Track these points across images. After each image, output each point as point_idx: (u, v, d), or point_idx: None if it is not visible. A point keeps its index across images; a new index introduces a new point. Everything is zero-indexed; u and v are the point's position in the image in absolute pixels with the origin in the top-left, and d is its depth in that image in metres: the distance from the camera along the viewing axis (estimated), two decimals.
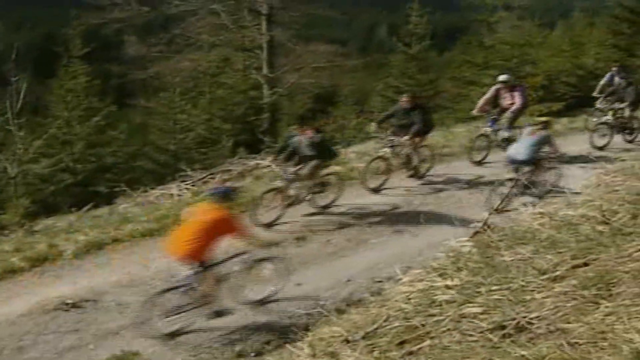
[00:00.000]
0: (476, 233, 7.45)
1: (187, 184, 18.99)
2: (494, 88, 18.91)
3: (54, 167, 29.65)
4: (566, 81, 34.83)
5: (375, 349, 5.38)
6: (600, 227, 6.37)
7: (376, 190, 15.83)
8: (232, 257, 10.24)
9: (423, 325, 5.33)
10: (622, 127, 19.87)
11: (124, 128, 37.21)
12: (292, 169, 14.35)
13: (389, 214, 14.75)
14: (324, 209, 14.74)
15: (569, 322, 4.76)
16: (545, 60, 36.21)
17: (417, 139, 16.15)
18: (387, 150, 16.22)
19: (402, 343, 5.31)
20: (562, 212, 7.10)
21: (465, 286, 5.74)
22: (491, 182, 14.81)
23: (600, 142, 19.43)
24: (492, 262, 6.18)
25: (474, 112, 19.87)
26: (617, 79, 20.88)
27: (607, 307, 4.80)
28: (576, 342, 4.53)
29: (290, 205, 14.21)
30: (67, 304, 10.73)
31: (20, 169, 27.67)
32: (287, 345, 6.62)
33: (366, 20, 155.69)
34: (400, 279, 6.78)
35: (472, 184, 16.50)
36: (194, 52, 34.85)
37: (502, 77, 19.08)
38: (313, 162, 14.09)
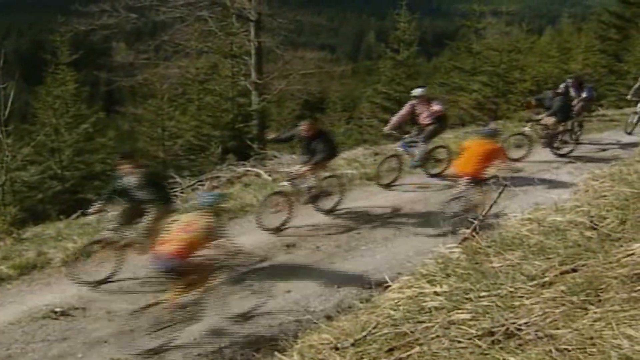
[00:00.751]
0: (465, 239, 7.46)
1: (175, 191, 18.93)
2: (409, 103, 17.04)
3: (42, 174, 29.66)
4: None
5: (364, 356, 5.39)
6: (588, 233, 6.40)
7: (277, 230, 13.74)
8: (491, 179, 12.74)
9: (412, 332, 5.33)
10: (548, 139, 19.11)
11: (112, 135, 37.23)
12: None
13: (382, 220, 14.78)
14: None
15: (557, 328, 4.78)
16: (534, 66, 36.47)
17: (317, 168, 14.09)
18: (286, 184, 14.51)
19: (391, 350, 5.31)
20: (551, 218, 7.13)
21: (453, 292, 5.75)
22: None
23: (515, 153, 18.27)
24: (481, 268, 6.20)
25: (385, 130, 17.65)
26: (572, 90, 20.73)
27: (595, 313, 4.82)
28: (565, 349, 4.54)
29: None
30: (55, 312, 10.67)
31: (8, 176, 27.62)
32: (277, 353, 6.61)
33: (354, 26, 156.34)
34: (389, 286, 6.80)
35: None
36: (182, 58, 34.73)
37: (416, 91, 17.01)
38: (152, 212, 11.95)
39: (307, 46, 48.77)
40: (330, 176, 14.91)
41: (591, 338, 4.53)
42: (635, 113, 22.73)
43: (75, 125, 31.44)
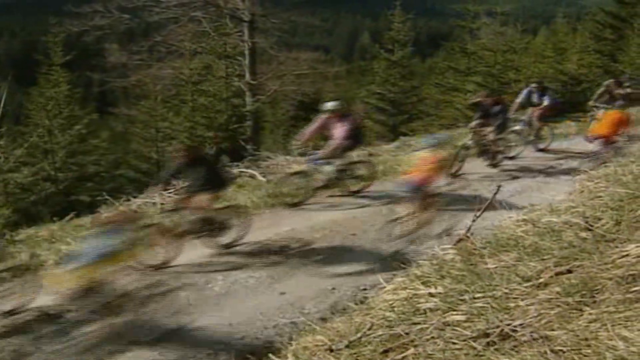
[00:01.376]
0: (459, 240, 7.46)
1: (169, 193, 18.90)
2: (321, 117, 15.96)
3: (35, 176, 29.54)
4: (549, 87, 34.96)
5: (359, 357, 5.39)
6: (583, 234, 6.40)
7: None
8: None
9: (407, 333, 5.33)
10: (482, 150, 18.50)
11: (106, 136, 37.20)
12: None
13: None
14: None
15: (552, 330, 4.78)
16: (528, 67, 36.44)
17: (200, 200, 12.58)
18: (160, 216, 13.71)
19: (386, 352, 5.31)
20: (546, 219, 7.13)
21: (448, 294, 5.75)
22: None
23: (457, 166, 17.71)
24: (476, 270, 6.20)
25: (295, 144, 17.18)
26: (535, 96, 20.57)
27: (590, 314, 4.82)
28: (560, 350, 4.54)
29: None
30: (49, 315, 10.63)
31: (1, 178, 27.54)
32: (271, 355, 6.60)
33: (348, 27, 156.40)
34: (384, 287, 6.80)
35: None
36: (175, 59, 34.64)
37: (328, 105, 15.94)
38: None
39: (301, 47, 48.74)
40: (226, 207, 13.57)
41: (586, 339, 4.53)
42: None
43: (69, 127, 31.36)
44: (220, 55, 33.52)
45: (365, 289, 10.88)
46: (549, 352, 4.53)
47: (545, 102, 20.40)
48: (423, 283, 6.23)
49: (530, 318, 4.99)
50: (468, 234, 7.43)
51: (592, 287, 5.21)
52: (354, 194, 16.18)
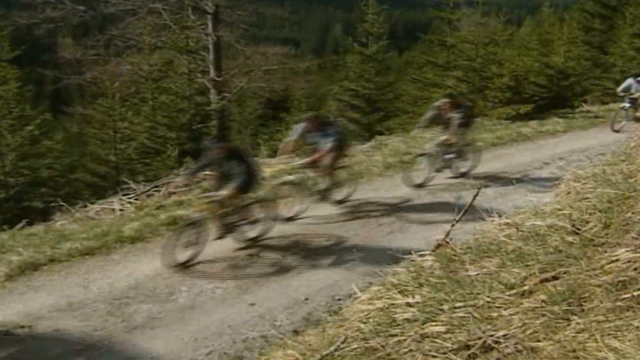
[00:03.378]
0: (438, 246, 7.47)
1: (129, 198, 18.81)
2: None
3: None
4: (535, 81, 35.14)
5: None
6: (570, 238, 6.42)
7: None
8: None
9: (383, 346, 5.33)
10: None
11: (60, 138, 36.90)
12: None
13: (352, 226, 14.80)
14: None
15: (538, 341, 4.79)
16: (512, 60, 36.52)
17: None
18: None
19: None
20: (530, 222, 7.14)
21: (427, 303, 5.76)
22: None
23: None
24: (456, 277, 6.21)
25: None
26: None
27: (578, 323, 4.83)
28: None
29: None
30: None
31: None
32: None
33: (320, 19, 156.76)
34: (359, 297, 6.79)
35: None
36: (134, 54, 34.53)
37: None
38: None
39: (269, 41, 48.73)
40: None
41: (574, 351, 4.54)
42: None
43: (19, 128, 31.05)
44: (183, 50, 33.45)
45: (339, 299, 10.90)
46: None
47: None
48: (400, 292, 6.23)
49: (514, 328, 5.00)
50: (447, 239, 7.44)
51: (580, 294, 5.22)
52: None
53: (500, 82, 32.61)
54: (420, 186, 17.51)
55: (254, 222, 13.86)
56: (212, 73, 32.62)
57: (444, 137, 17.86)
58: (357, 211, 15.96)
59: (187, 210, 15.60)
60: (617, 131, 23.02)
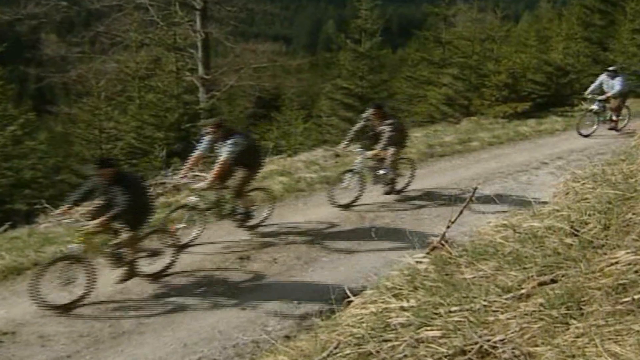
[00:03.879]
0: (433, 248, 7.47)
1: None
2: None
3: None
4: (533, 79, 35.18)
5: None
6: (568, 240, 6.42)
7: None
8: None
9: (377, 351, 5.32)
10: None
11: (44, 138, 36.83)
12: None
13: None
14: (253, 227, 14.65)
15: (536, 345, 4.79)
16: (509, 57, 36.56)
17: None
18: None
19: None
20: (527, 224, 7.15)
21: (422, 307, 5.75)
22: None
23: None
24: (452, 280, 6.21)
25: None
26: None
27: (577, 327, 4.83)
28: None
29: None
30: None
31: None
32: None
33: (311, 15, 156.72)
34: (351, 301, 6.79)
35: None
36: (120, 52, 34.55)
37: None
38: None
39: (260, 38, 48.89)
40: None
41: (573, 356, 4.54)
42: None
43: (1, 128, 30.99)
44: (170, 48, 33.44)
45: (332, 303, 10.90)
46: None
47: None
48: (394, 296, 6.22)
49: (512, 333, 4.99)
50: (443, 241, 7.44)
51: (579, 298, 5.23)
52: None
53: (497, 79, 32.62)
54: (347, 207, 16.07)
55: (153, 254, 12.57)
56: (201, 71, 32.65)
57: (373, 152, 16.24)
58: (274, 238, 14.53)
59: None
60: (586, 136, 22.81)
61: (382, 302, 6.20)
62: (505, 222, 7.53)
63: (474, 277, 6.11)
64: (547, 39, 43.22)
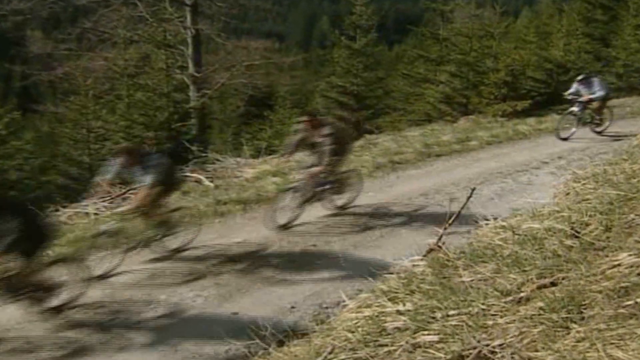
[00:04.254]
0: (430, 251, 7.47)
1: (104, 201, 18.72)
2: None
3: None
4: (532, 76, 35.21)
5: None
6: (569, 242, 6.42)
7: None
8: None
9: (372, 357, 5.33)
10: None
11: (30, 137, 36.74)
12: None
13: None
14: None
15: (536, 350, 4.79)
16: (509, 54, 36.54)
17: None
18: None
19: None
20: (527, 225, 7.15)
21: (418, 311, 5.75)
22: None
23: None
24: (449, 284, 6.21)
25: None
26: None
27: (578, 332, 4.83)
28: None
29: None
30: None
31: None
32: None
33: (305, 11, 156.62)
34: (347, 305, 6.78)
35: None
36: (108, 49, 34.47)
37: None
38: None
39: (252, 34, 48.88)
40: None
41: None
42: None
43: None
44: (160, 44, 33.36)
45: (327, 307, 10.87)
46: None
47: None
48: (390, 299, 6.22)
49: (511, 337, 4.99)
50: (439, 244, 7.44)
51: (580, 301, 5.22)
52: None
53: (496, 77, 32.65)
54: (285, 227, 14.87)
55: (55, 287, 11.34)
56: (192, 68, 32.59)
57: (314, 169, 14.98)
58: (199, 264, 13.49)
59: None
60: (565, 139, 22.65)
61: (378, 306, 6.20)
62: (504, 223, 7.53)
63: (472, 280, 6.12)
64: (547, 35, 43.19)
